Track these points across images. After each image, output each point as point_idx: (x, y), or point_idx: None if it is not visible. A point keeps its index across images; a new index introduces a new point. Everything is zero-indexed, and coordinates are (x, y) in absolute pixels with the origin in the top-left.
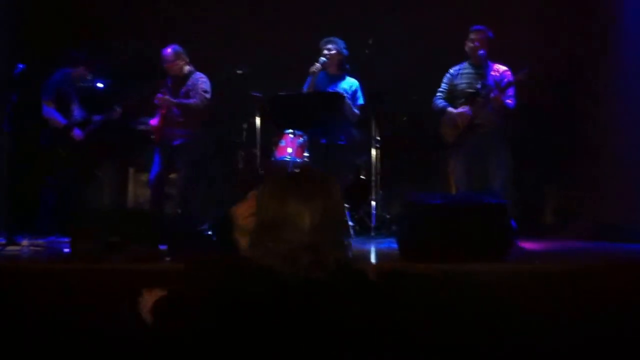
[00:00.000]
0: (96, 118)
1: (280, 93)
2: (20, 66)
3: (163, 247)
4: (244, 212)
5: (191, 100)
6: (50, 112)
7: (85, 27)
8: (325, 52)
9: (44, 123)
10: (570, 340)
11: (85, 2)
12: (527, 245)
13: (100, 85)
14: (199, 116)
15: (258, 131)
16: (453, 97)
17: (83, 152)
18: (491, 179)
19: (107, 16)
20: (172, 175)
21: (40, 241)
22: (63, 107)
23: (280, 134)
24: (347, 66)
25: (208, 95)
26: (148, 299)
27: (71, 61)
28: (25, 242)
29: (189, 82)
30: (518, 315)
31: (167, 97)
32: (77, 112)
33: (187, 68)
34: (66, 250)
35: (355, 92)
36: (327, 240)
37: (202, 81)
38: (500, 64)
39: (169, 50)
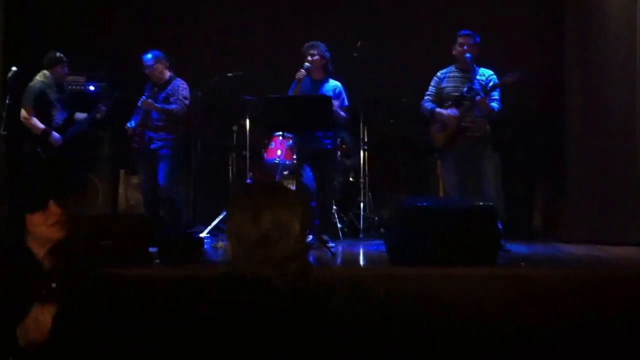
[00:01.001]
0: (79, 117)
1: (273, 96)
2: (14, 69)
3: (153, 250)
4: (41, 221)
5: (173, 106)
6: (29, 118)
7: (76, 31)
8: (309, 57)
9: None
10: (558, 344)
11: (77, 7)
12: (515, 248)
13: (92, 88)
14: (177, 121)
15: (248, 134)
16: (440, 100)
17: (68, 154)
18: (481, 185)
19: (99, 20)
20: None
21: None
22: (43, 112)
23: (270, 137)
24: (331, 69)
25: (187, 102)
26: (43, 315)
27: (48, 63)
28: None
29: (169, 88)
30: (504, 319)
31: (150, 100)
32: (58, 115)
33: (167, 73)
34: None
35: (339, 94)
36: (304, 249)
37: (182, 87)
38: (487, 67)
39: (149, 55)
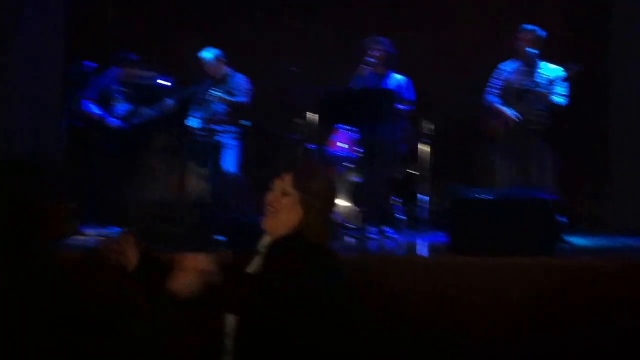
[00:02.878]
0: (145, 111)
1: (333, 88)
2: (81, 62)
3: (221, 238)
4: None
5: (241, 99)
6: (87, 106)
7: (140, 26)
8: (371, 52)
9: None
10: (619, 335)
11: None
12: (573, 240)
13: (161, 82)
14: (242, 114)
15: (313, 127)
16: (504, 93)
17: (127, 143)
18: (540, 177)
19: (160, 18)
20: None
21: (104, 231)
22: (104, 105)
23: (334, 129)
24: (395, 64)
25: (251, 95)
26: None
27: (121, 61)
28: (92, 233)
29: (231, 82)
30: (564, 309)
31: (222, 94)
32: (120, 107)
33: (225, 69)
34: None
35: (403, 88)
36: None
37: (245, 80)
38: (551, 62)
39: (208, 52)
